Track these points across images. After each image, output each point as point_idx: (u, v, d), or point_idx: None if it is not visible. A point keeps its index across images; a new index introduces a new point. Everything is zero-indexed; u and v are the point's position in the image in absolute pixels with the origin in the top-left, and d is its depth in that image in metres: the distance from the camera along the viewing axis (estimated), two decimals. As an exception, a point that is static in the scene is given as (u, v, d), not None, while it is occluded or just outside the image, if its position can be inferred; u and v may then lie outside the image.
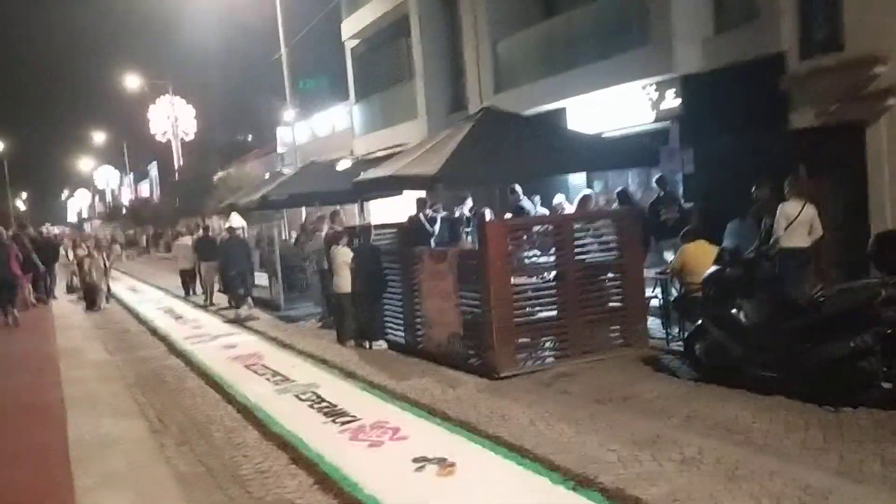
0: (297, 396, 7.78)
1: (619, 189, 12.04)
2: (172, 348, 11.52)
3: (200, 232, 19.58)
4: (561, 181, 13.05)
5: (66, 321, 14.40)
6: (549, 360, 7.85)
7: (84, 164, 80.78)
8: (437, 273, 8.53)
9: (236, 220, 20.28)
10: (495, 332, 7.49)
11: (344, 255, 10.21)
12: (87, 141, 72.01)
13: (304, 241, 13.63)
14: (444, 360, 8.51)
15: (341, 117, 24.61)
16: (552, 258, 8.00)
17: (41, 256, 20.34)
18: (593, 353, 7.95)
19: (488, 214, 12.62)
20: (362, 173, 10.92)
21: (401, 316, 9.60)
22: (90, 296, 17.38)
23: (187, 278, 18.85)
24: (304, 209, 21.51)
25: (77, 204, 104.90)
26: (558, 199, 12.86)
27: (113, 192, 76.76)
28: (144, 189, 65.01)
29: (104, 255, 18.06)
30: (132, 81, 40.67)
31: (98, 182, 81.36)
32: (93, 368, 9.44)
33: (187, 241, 19.68)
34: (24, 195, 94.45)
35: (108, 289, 18.07)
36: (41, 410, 7.25)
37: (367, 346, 9.95)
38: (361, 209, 20.73)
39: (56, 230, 55.11)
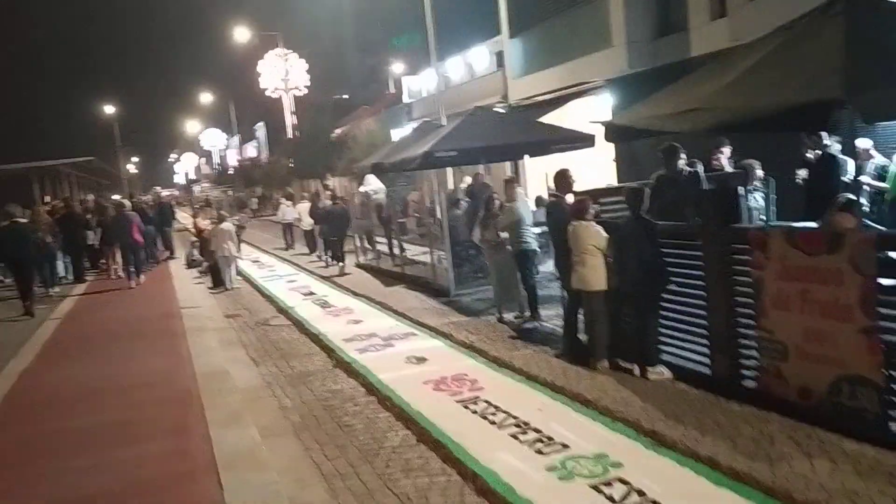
0: (600, 490, 4.53)
1: None
2: (334, 357, 8.59)
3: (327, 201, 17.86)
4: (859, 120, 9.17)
5: (195, 313, 11.74)
6: None
7: (191, 126, 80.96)
8: (812, 270, 5.02)
9: (374, 183, 17.32)
10: None
11: (593, 235, 6.85)
12: (194, 103, 71.71)
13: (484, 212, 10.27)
14: (819, 419, 5.05)
15: (482, 59, 21.13)
16: None
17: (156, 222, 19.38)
18: None
19: (759, 169, 9.00)
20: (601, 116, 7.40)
21: (703, 331, 6.17)
22: (216, 275, 14.88)
23: (309, 239, 19.83)
24: (448, 169, 18.43)
25: (184, 166, 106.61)
26: (863, 143, 9.05)
27: (220, 154, 76.54)
28: (250, 151, 63.89)
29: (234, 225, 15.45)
30: (241, 34, 38.37)
31: (204, 144, 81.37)
32: (248, 410, 6.50)
33: (306, 205, 19.98)
34: (135, 159, 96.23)
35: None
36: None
37: (638, 373, 6.61)
38: (516, 169, 17.39)
39: (165, 193, 54.61)
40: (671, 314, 6.53)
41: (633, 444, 5.19)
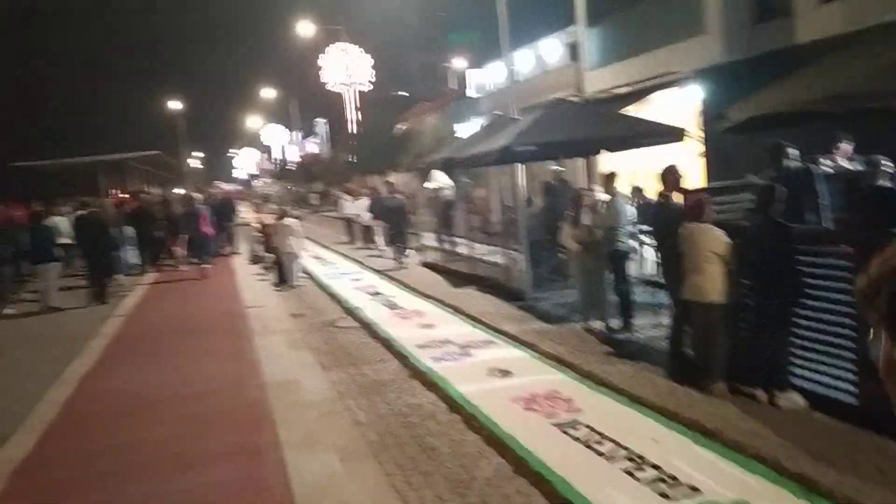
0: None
1: None
2: (408, 364, 7.94)
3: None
4: None
5: (260, 312, 11.28)
6: None
7: (253, 122, 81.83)
8: None
9: (440, 179, 16.68)
10: None
11: (713, 239, 6.02)
12: (256, 99, 72.31)
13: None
14: None
15: (553, 50, 20.25)
16: None
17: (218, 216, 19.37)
18: None
19: (888, 166, 7.99)
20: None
21: (849, 353, 5.28)
22: (280, 271, 14.45)
23: (367, 233, 20.29)
24: (519, 166, 17.62)
25: (245, 162, 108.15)
26: None
27: (281, 149, 77.21)
28: (311, 146, 64.14)
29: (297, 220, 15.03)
30: (304, 29, 38.22)
31: (265, 139, 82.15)
32: (323, 427, 5.89)
33: (366, 201, 20.23)
34: (198, 154, 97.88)
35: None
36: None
37: (764, 399, 5.75)
38: (588, 165, 16.51)
39: (227, 187, 55.22)
40: (805, 332, 5.66)
41: (777, 490, 4.37)
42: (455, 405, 6.45)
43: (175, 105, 62.72)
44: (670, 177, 6.85)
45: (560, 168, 11.98)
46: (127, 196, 22.80)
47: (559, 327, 9.09)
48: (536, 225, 11.74)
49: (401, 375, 7.62)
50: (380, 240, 18.52)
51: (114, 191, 27.28)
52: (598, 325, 8.70)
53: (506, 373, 7.36)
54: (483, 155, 11.58)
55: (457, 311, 10.69)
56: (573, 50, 18.41)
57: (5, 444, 5.78)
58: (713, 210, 6.18)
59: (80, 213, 15.47)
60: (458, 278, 13.50)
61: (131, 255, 17.67)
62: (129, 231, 17.41)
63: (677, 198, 7.13)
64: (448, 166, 13.87)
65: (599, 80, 16.22)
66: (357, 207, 21.10)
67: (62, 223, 15.42)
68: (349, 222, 22.44)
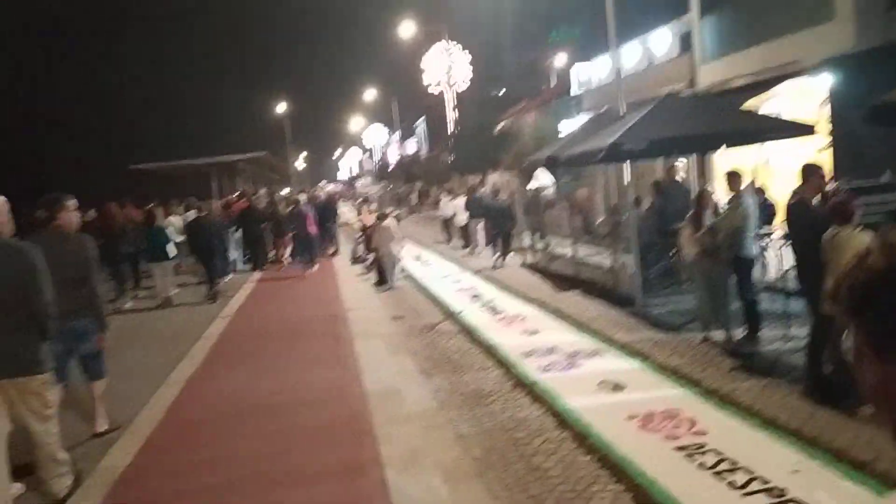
0: None
1: None
2: (512, 374, 7.57)
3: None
4: None
5: (361, 315, 11.17)
6: None
7: (355, 122, 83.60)
8: None
9: (544, 178, 16.23)
10: None
11: (861, 245, 5.31)
12: (358, 100, 73.78)
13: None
14: None
15: (663, 42, 19.30)
16: None
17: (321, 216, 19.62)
18: None
19: None
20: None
21: None
22: (380, 272, 14.40)
23: (464, 233, 19.70)
24: (627, 163, 16.91)
25: (348, 162, 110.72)
26: None
27: (382, 149, 78.50)
28: (411, 146, 64.79)
29: (394, 221, 14.92)
30: (405, 30, 38.45)
31: (367, 141, 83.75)
32: (426, 443, 5.59)
33: (462, 199, 19.90)
34: (303, 155, 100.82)
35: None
36: None
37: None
38: (702, 164, 15.57)
39: (330, 187, 56.50)
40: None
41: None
42: (564, 421, 6.03)
43: (282, 107, 64.69)
44: (814, 177, 6.12)
45: (679, 164, 11.28)
46: (235, 196, 23.46)
47: (675, 336, 8.48)
48: (645, 226, 11.12)
49: (504, 385, 7.26)
50: (477, 239, 18.25)
51: (231, 194, 28.09)
52: (719, 335, 8.03)
53: (618, 386, 6.86)
54: (589, 153, 11.03)
55: (561, 316, 10.23)
56: (685, 41, 17.47)
57: (110, 450, 5.80)
58: (857, 214, 5.48)
59: (189, 213, 16.02)
60: (561, 281, 13.01)
61: (238, 255, 18.23)
62: (237, 232, 17.96)
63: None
64: (552, 165, 13.38)
65: (714, 73, 15.27)
66: (454, 206, 20.94)
67: (176, 223, 16.01)
68: (447, 222, 22.36)
